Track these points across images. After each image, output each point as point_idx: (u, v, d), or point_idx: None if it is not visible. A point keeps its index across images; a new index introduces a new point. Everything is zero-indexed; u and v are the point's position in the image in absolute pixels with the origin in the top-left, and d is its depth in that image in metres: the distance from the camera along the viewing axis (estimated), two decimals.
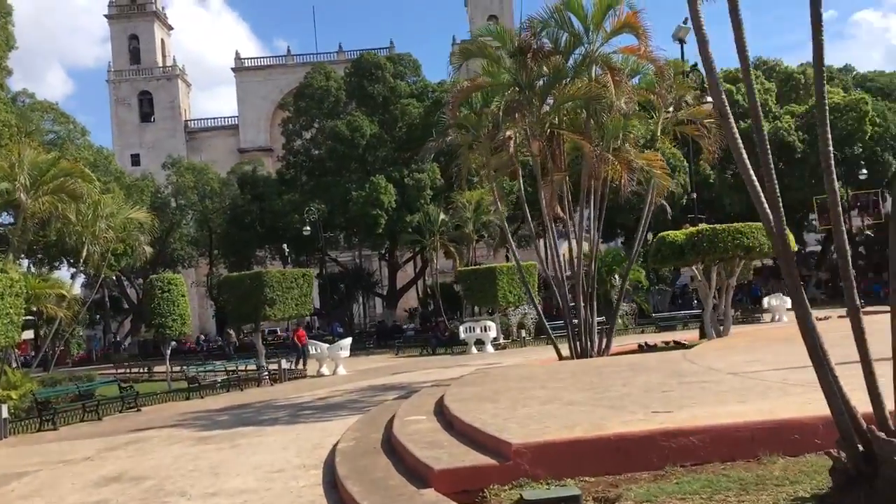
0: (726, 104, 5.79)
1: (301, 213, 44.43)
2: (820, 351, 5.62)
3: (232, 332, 45.87)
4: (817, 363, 5.59)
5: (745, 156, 5.81)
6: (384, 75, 48.61)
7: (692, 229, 20.54)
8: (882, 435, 5.39)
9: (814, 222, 50.87)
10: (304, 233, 42.86)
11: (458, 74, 18.81)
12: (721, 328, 21.48)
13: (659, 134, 18.47)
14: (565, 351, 18.76)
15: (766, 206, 5.65)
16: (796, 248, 21.61)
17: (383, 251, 52.15)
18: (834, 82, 51.42)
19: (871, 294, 37.41)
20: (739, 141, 5.78)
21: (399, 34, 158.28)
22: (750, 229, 19.95)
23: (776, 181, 5.71)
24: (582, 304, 17.59)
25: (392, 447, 9.51)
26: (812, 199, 44.22)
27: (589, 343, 17.82)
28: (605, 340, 18.44)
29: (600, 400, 9.67)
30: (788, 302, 37.07)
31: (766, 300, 36.13)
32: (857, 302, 5.74)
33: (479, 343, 32.42)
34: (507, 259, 53.11)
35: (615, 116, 15.55)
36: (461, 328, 32.94)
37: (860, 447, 5.51)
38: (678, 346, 22.13)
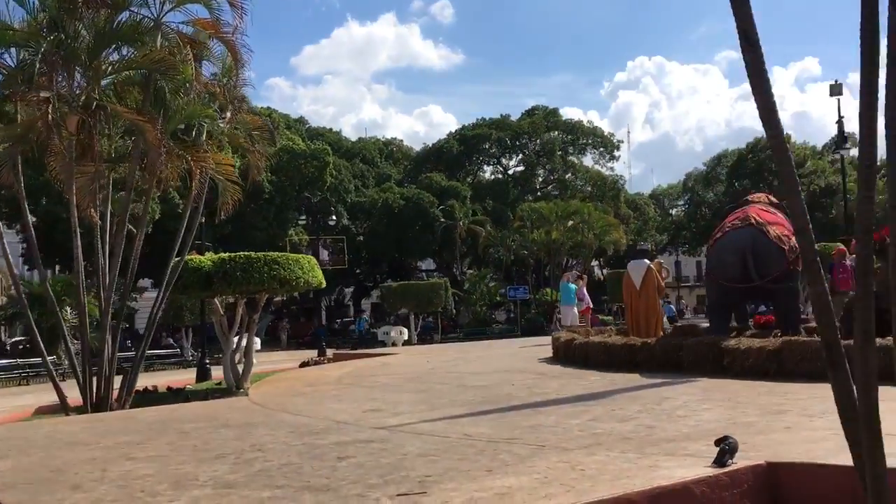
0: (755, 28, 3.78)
1: None
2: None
3: None
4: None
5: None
6: None
7: (223, 255, 17.83)
8: None
9: None
10: None
11: None
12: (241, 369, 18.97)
13: (205, 138, 15.36)
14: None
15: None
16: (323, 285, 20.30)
17: None
18: (292, 130, 53.32)
19: None
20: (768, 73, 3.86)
21: None
22: (287, 260, 18.06)
23: None
24: (109, 341, 13.43)
25: None
26: (278, 240, 44.52)
27: (108, 390, 13.67)
28: (125, 387, 14.40)
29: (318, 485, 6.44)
30: (258, 342, 36.06)
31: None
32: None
33: None
34: None
35: (190, 100, 12.21)
36: None
37: None
38: (182, 392, 18.89)
